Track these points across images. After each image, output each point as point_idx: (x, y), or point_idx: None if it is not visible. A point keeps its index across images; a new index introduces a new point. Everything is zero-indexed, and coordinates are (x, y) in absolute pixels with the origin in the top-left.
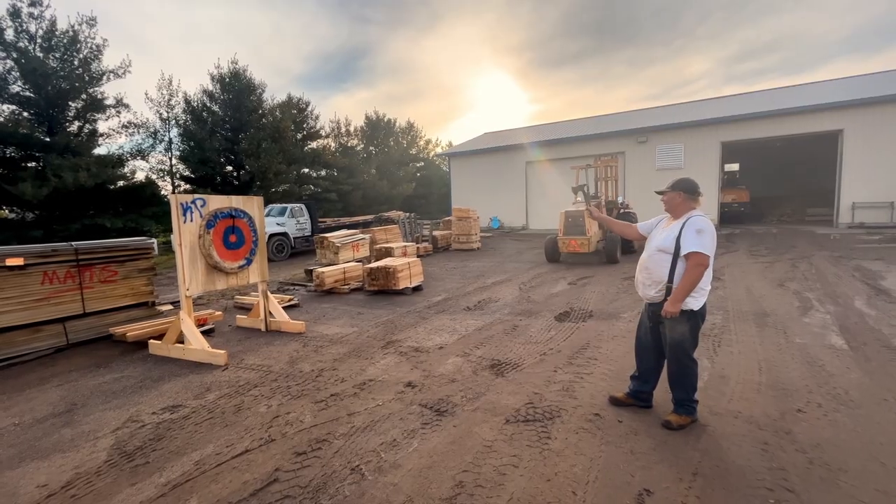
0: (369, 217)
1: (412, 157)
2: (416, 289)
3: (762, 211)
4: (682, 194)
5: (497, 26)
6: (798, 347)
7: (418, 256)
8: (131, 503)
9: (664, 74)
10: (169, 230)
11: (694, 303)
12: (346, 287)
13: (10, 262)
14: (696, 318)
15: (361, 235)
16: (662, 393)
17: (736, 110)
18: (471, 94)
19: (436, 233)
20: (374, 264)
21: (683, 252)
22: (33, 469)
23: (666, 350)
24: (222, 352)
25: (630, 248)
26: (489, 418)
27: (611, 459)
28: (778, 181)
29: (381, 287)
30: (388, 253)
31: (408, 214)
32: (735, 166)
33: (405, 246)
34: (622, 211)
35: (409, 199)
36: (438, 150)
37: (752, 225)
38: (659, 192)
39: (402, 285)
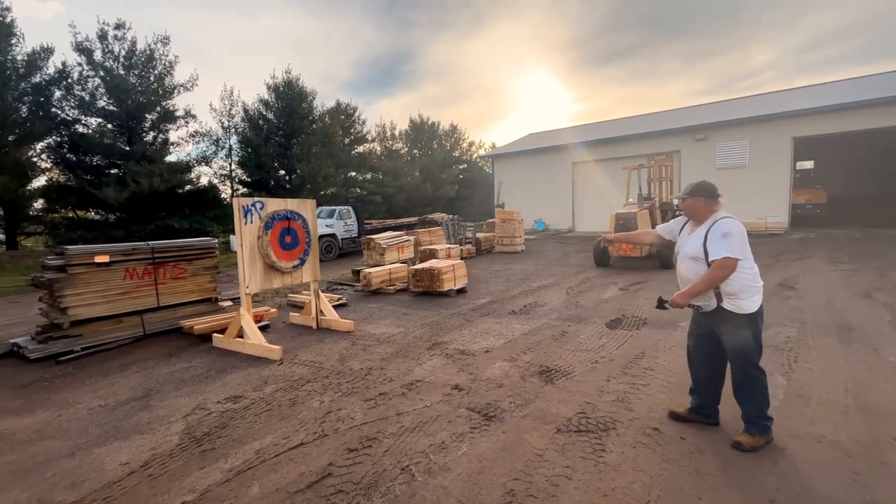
0: (413, 219)
1: (455, 159)
2: (461, 291)
3: (841, 213)
4: (703, 199)
5: (541, 25)
6: (892, 366)
7: (462, 259)
8: (200, 485)
9: (723, 67)
10: (227, 231)
11: (749, 304)
12: (391, 287)
13: (98, 259)
14: (755, 321)
15: (406, 237)
16: (731, 411)
17: (810, 103)
18: (514, 94)
19: (479, 235)
20: (419, 266)
21: (710, 258)
22: (116, 448)
23: (729, 359)
24: (278, 347)
25: None
26: (539, 426)
27: (674, 479)
28: (860, 180)
29: (425, 288)
30: (432, 255)
31: (451, 216)
32: (809, 164)
33: (449, 248)
34: (678, 213)
35: (452, 201)
36: (481, 151)
37: (829, 228)
38: (676, 200)
39: (446, 287)
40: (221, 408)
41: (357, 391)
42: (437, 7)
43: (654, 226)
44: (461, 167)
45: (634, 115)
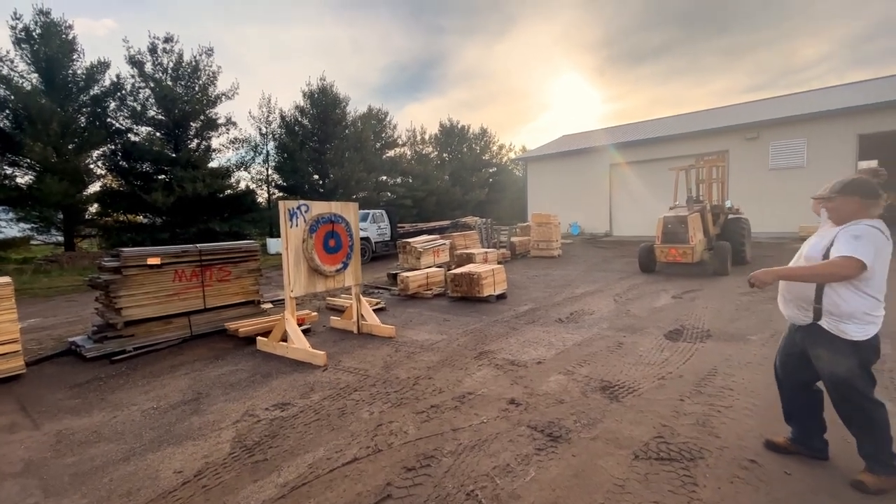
0: (446, 222)
1: (485, 162)
2: (500, 297)
3: None
4: (860, 199)
5: (571, 25)
6: None
7: (498, 263)
8: (255, 500)
9: (770, 62)
10: (264, 234)
11: (856, 331)
12: (429, 292)
13: (150, 261)
14: (863, 350)
15: (442, 241)
16: (844, 445)
17: (876, 97)
18: (544, 96)
19: (514, 239)
20: (457, 270)
21: (833, 255)
22: (170, 454)
23: (826, 388)
24: (322, 353)
25: (742, 260)
26: (613, 450)
27: None
28: None
29: (464, 294)
30: (469, 259)
31: (484, 220)
32: (873, 163)
33: (486, 252)
34: (731, 216)
35: (482, 204)
36: (512, 154)
37: None
38: (820, 199)
39: (486, 293)
40: (270, 415)
41: (407, 402)
42: (467, 11)
43: (706, 231)
44: (491, 170)
45: (672, 114)
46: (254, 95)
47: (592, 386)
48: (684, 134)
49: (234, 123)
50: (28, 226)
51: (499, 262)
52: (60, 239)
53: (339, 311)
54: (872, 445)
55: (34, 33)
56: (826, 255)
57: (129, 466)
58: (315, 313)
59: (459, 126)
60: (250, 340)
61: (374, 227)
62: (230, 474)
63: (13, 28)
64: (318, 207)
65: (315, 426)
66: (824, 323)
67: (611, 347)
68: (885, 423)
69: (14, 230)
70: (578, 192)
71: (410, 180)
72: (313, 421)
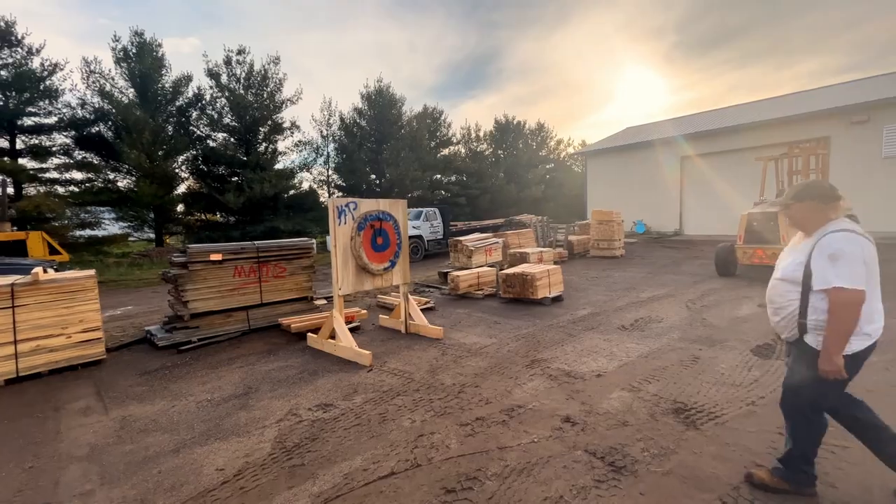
0: (499, 220)
1: (541, 158)
2: (556, 299)
3: None
4: (816, 203)
5: (635, 10)
6: None
7: (554, 263)
8: None
9: (872, 36)
10: (324, 232)
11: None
12: (479, 292)
13: (212, 257)
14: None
15: (495, 240)
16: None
17: None
18: (604, 88)
19: (571, 237)
20: (510, 270)
21: (817, 287)
22: (215, 449)
23: (784, 391)
24: (368, 353)
25: None
26: (693, 493)
27: None
28: None
29: (516, 295)
30: (523, 259)
31: (540, 218)
32: None
33: (541, 252)
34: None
35: (538, 201)
36: (570, 149)
37: None
38: (779, 207)
39: (540, 295)
40: (312, 416)
41: (451, 412)
42: (522, 4)
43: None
44: (548, 167)
45: (755, 100)
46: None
47: (663, 407)
48: (772, 120)
49: (298, 127)
50: (126, 224)
51: (555, 262)
52: (152, 236)
53: (389, 309)
54: (793, 449)
55: (130, 52)
56: (807, 271)
57: (178, 459)
58: (365, 311)
59: (515, 122)
60: (302, 336)
61: (427, 225)
62: (267, 477)
63: (113, 49)
64: (366, 205)
65: (355, 431)
66: (809, 339)
67: (684, 362)
68: (816, 436)
69: (115, 228)
70: (644, 187)
71: (464, 178)
72: (353, 426)
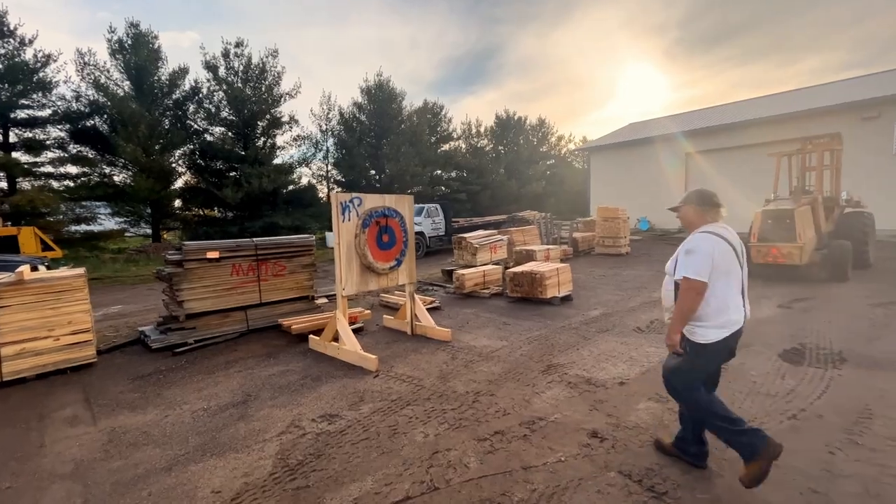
0: (502, 217)
1: (542, 154)
2: (565, 299)
3: None
4: (695, 207)
5: (636, 7)
6: None
7: (561, 261)
8: None
9: (875, 32)
10: (323, 228)
11: (699, 333)
12: (485, 291)
13: (209, 254)
14: (698, 357)
15: (500, 237)
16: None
17: None
18: (606, 84)
19: (576, 235)
20: (517, 269)
21: (675, 277)
22: (211, 467)
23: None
24: (373, 357)
25: (864, 262)
26: None
27: None
28: None
29: (524, 294)
30: (529, 256)
31: (543, 215)
32: None
33: (548, 249)
34: (849, 210)
35: (539, 198)
36: (571, 146)
37: None
38: (672, 210)
39: (549, 294)
40: (317, 428)
41: (466, 424)
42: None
43: (816, 228)
44: (549, 163)
45: (760, 96)
46: (315, 96)
47: None
48: (780, 116)
49: (297, 121)
50: (122, 219)
51: (561, 260)
52: (149, 231)
53: (394, 308)
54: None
55: (126, 44)
56: (676, 265)
57: (170, 478)
58: (368, 311)
59: (516, 117)
60: (303, 337)
61: (429, 221)
62: (269, 502)
63: (109, 40)
64: (372, 201)
65: (363, 447)
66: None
67: None
68: (704, 414)
69: (111, 223)
70: (648, 184)
71: (465, 174)
72: (362, 440)
